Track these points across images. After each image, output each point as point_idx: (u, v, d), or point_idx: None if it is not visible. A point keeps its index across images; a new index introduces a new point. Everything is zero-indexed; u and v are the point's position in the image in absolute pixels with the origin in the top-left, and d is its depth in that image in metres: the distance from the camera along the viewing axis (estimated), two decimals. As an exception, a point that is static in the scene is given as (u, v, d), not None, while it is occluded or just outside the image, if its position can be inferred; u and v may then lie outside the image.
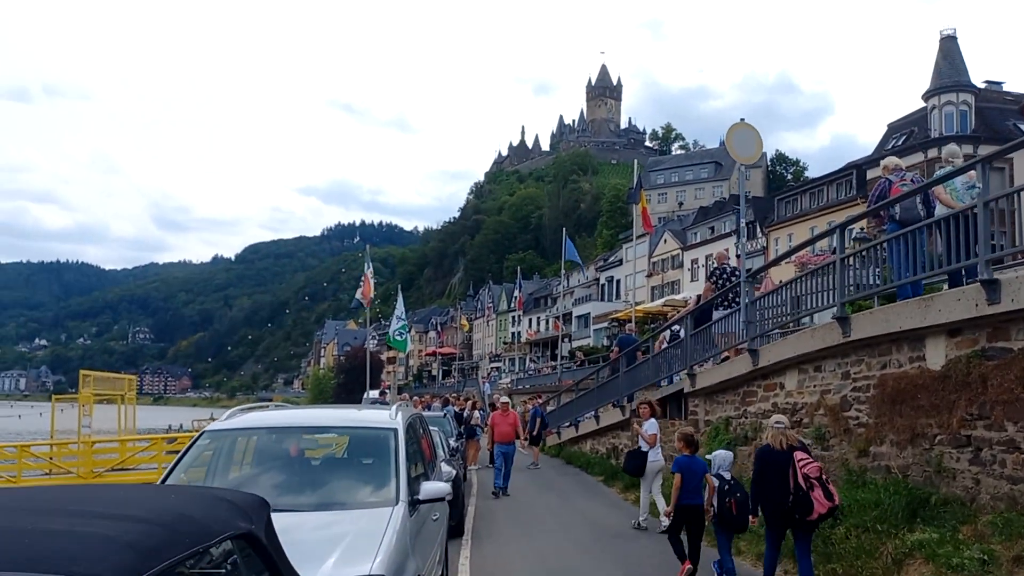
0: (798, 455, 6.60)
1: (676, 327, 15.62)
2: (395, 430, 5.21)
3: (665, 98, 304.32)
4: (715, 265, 14.15)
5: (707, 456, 8.31)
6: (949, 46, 41.80)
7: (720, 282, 12.86)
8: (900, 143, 43.33)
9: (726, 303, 12.11)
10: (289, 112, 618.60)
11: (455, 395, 34.78)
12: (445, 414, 17.28)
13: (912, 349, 7.42)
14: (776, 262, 13.45)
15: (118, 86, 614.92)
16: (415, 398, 23.14)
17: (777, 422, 6.97)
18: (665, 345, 15.20)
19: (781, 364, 9.35)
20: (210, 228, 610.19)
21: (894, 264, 7.84)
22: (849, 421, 8.32)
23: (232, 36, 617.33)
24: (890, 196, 8.29)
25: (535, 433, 19.31)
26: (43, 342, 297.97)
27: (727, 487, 7.51)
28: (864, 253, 8.43)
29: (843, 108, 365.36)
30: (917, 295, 7.75)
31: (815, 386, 8.97)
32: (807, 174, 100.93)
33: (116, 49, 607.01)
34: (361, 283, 22.54)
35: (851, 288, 8.28)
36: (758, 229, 54.10)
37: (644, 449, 10.59)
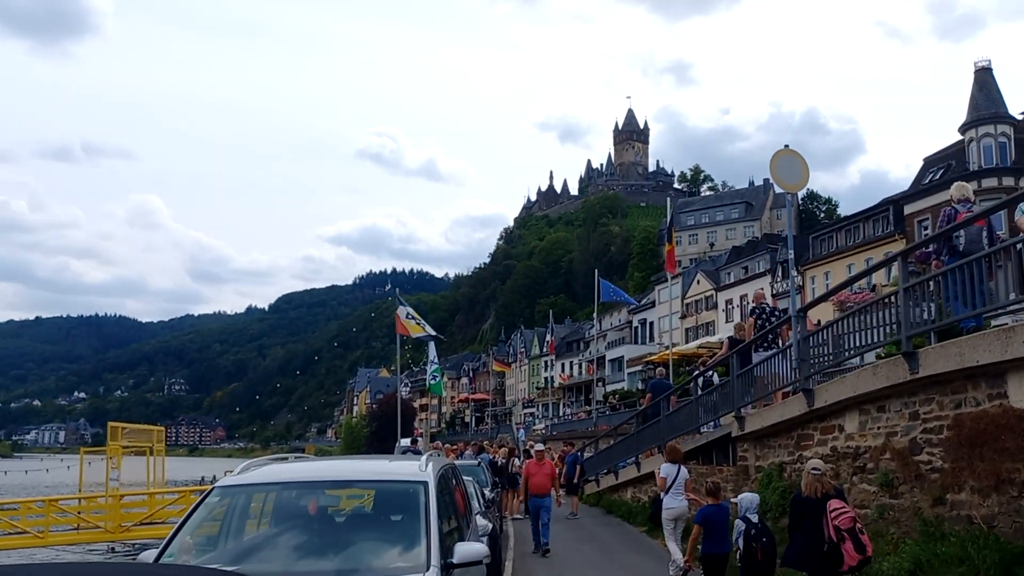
0: (832, 504, 6.48)
1: (709, 373, 15.15)
2: (425, 483, 4.65)
3: (691, 140, 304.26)
4: (753, 304, 13.57)
5: (733, 500, 8.22)
6: (984, 77, 41.11)
7: (760, 322, 12.37)
8: (937, 177, 42.41)
9: (766, 344, 11.65)
10: (319, 164, 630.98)
11: (489, 442, 34.04)
12: (480, 462, 16.33)
13: (991, 386, 6.74)
14: (822, 299, 12.77)
15: (155, 144, 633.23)
16: (446, 446, 22.51)
17: (814, 468, 6.83)
18: (700, 392, 14.69)
19: (839, 405, 8.66)
20: (244, 279, 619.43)
21: (957, 296, 7.22)
22: (921, 466, 7.60)
23: (261, 90, 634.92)
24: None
25: (575, 481, 18.53)
26: (82, 395, 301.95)
27: (753, 531, 7.33)
28: (925, 285, 7.80)
29: (873, 146, 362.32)
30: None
31: (879, 428, 8.26)
32: (839, 212, 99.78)
33: (152, 107, 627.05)
34: (416, 322, 21.33)
35: (913, 323, 7.64)
36: (793, 267, 53.21)
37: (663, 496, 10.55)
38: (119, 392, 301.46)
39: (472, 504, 7.90)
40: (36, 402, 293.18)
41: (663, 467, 10.57)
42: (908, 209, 42.79)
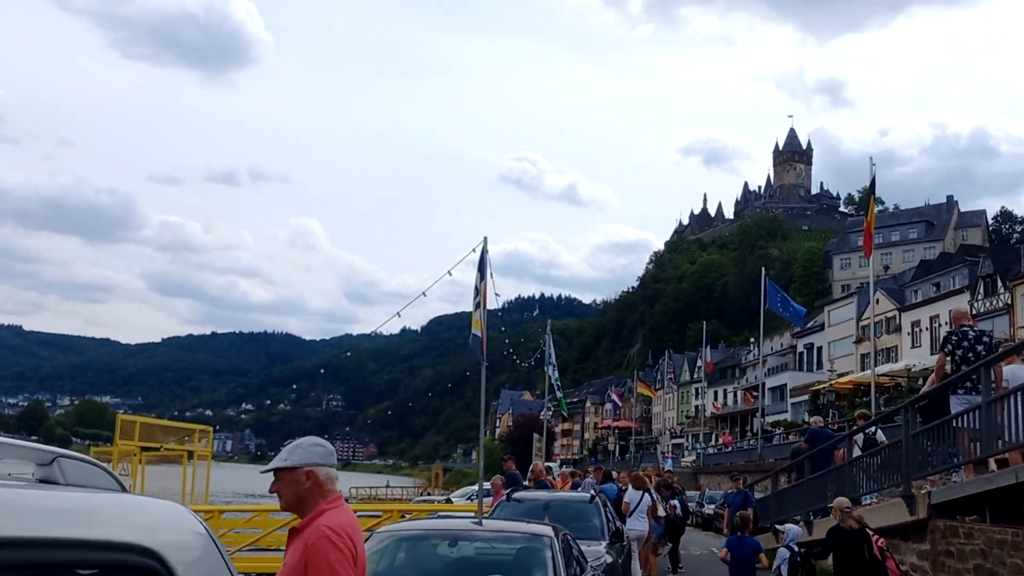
0: (870, 531, 7.55)
1: (872, 429, 12.14)
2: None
3: (845, 164, 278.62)
4: (949, 330, 8.89)
5: (780, 528, 9.79)
6: None
7: (960, 352, 8.49)
8: None
9: (968, 385, 8.30)
10: (462, 189, 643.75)
11: (630, 470, 28.26)
12: (593, 497, 10.13)
13: None
14: None
15: (312, 170, 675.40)
16: (563, 470, 17.58)
17: (846, 507, 7.76)
18: (857, 452, 11.78)
19: None
20: (395, 301, 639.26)
21: None
22: None
23: (408, 117, 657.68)
24: None
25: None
26: (248, 406, 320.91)
27: (798, 559, 8.65)
28: None
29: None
30: None
31: None
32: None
33: (309, 134, 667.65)
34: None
35: None
36: (999, 283, 44.86)
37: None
38: (282, 405, 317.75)
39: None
40: (208, 411, 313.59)
41: (628, 493, 11.46)
42: None
